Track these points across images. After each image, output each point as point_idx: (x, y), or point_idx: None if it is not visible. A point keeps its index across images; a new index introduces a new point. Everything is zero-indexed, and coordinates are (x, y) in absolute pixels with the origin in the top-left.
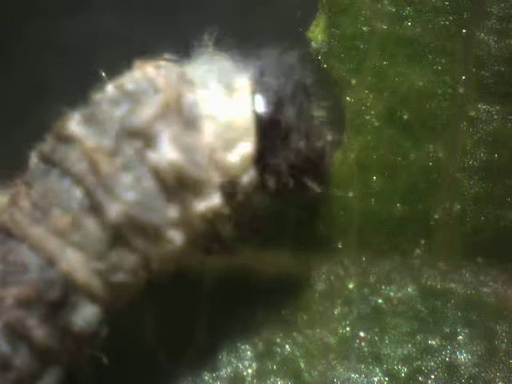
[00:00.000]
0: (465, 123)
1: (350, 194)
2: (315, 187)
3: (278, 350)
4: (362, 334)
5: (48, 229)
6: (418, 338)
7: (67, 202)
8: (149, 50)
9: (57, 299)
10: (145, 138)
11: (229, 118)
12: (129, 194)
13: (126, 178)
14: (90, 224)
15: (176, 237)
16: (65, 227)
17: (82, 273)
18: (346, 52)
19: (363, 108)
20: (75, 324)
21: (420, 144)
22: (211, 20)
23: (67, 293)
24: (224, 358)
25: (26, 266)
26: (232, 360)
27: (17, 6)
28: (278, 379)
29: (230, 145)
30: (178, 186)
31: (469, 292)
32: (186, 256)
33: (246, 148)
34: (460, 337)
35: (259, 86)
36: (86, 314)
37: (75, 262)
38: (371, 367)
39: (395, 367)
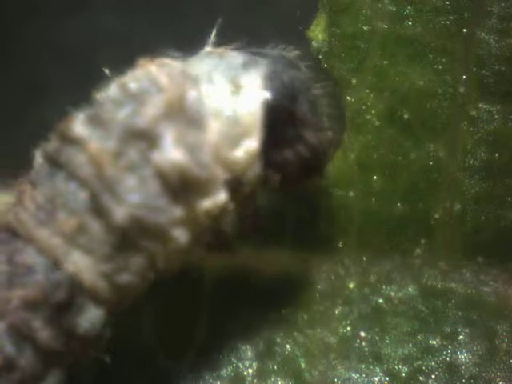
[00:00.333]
0: (465, 123)
1: (351, 194)
2: (317, 180)
3: (279, 349)
4: (362, 333)
5: (54, 231)
6: (419, 337)
7: (73, 204)
8: (149, 50)
9: (62, 301)
10: (149, 138)
11: (235, 114)
12: (134, 196)
13: (131, 180)
14: (96, 227)
15: (181, 235)
16: (71, 230)
17: (89, 275)
18: (347, 51)
19: (364, 107)
20: (80, 326)
21: (420, 143)
22: (211, 20)
23: (73, 295)
24: (224, 358)
25: (32, 268)
26: (232, 360)
27: (17, 6)
28: (279, 379)
29: (235, 141)
30: (183, 185)
31: (469, 291)
32: (189, 253)
33: (251, 144)
34: (461, 336)
35: (262, 82)
36: (90, 316)
37: (81, 265)
38: (372, 367)
39: (396, 367)
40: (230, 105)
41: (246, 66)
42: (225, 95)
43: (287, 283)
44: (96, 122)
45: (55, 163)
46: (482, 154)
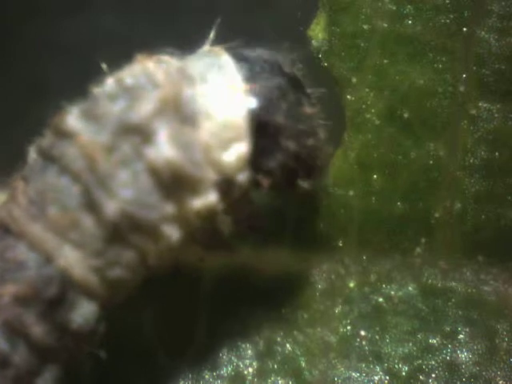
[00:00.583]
0: (465, 121)
1: (351, 193)
2: (307, 185)
3: (279, 348)
4: (362, 332)
5: (46, 226)
6: (419, 336)
7: (65, 199)
8: (149, 50)
9: (54, 296)
10: (142, 134)
11: (225, 116)
12: (126, 191)
13: (123, 175)
14: (88, 221)
15: (172, 232)
16: (62, 225)
17: (80, 270)
18: (347, 50)
19: (364, 106)
20: (73, 321)
21: (420, 142)
22: (211, 20)
23: (65, 290)
24: (224, 357)
25: (23, 264)
26: (232, 359)
27: (17, 6)
28: (279, 378)
29: (225, 144)
30: (175, 182)
31: (469, 291)
32: (185, 252)
33: (241, 148)
34: (461, 335)
35: (251, 86)
36: (83, 311)
37: (72, 259)
38: (372, 366)
39: (396, 366)
40: (221, 106)
41: (237, 67)
42: (217, 96)
43: (287, 282)
44: (90, 115)
45: (48, 157)
46: (482, 153)
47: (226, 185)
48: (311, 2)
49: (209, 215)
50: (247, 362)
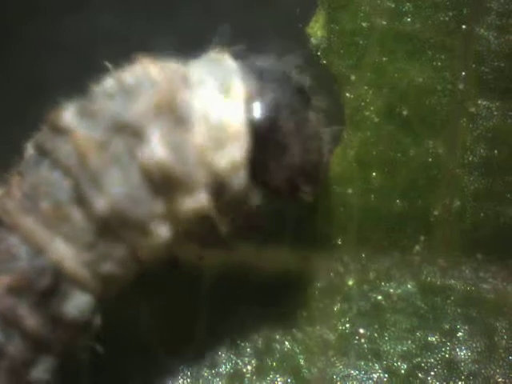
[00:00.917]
0: (464, 119)
1: (350, 191)
2: (309, 196)
3: (278, 346)
4: (361, 330)
5: (37, 219)
6: (418, 334)
7: (57, 193)
8: (148, 49)
9: (47, 288)
10: (135, 133)
11: (221, 120)
12: (116, 188)
13: (115, 173)
14: (78, 216)
15: (162, 231)
16: (54, 218)
17: (71, 263)
18: (346, 48)
19: (363, 104)
20: (67, 313)
21: (419, 140)
22: (210, 18)
23: (57, 281)
24: (223, 355)
25: (15, 255)
26: (231, 356)
27: (16, 6)
28: (278, 376)
29: (219, 147)
30: (166, 182)
31: (468, 288)
32: (182, 249)
33: (235, 151)
34: (460, 333)
35: (255, 92)
36: (77, 303)
37: (63, 253)
38: (371, 364)
39: (395, 364)
40: (217, 111)
41: (238, 71)
42: (214, 100)
43: (286, 280)
44: (85, 112)
45: (42, 152)
46: (482, 151)
47: (218, 187)
48: (310, 0)
49: (201, 215)
50: (246, 359)
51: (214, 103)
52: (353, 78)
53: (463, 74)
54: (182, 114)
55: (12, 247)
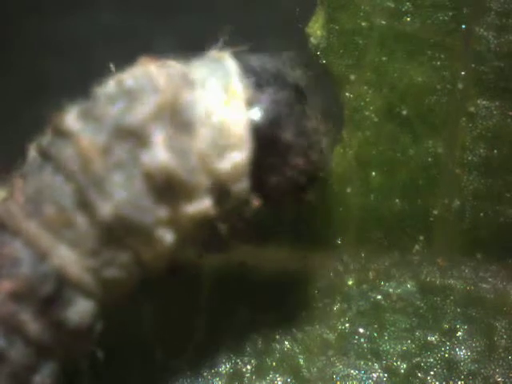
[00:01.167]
0: (464, 119)
1: (349, 190)
2: (311, 196)
3: (277, 346)
4: (361, 330)
5: (41, 223)
6: (417, 334)
7: (60, 197)
8: (148, 48)
9: (50, 294)
10: (139, 137)
11: (223, 124)
12: (120, 193)
13: (118, 177)
14: (82, 221)
15: (166, 236)
16: (57, 223)
17: (74, 269)
18: (345, 47)
19: (362, 104)
20: (70, 319)
21: (419, 140)
22: (211, 18)
23: (60, 287)
24: (223, 355)
25: (18, 261)
26: (231, 356)
27: (17, 4)
28: (277, 375)
29: (222, 152)
30: (169, 187)
31: (468, 288)
32: (183, 252)
33: (238, 156)
34: (459, 333)
35: (256, 96)
36: (80, 309)
37: (67, 259)
38: (370, 363)
39: (394, 363)
40: (220, 113)
41: (240, 74)
42: (216, 103)
43: (286, 280)
44: (88, 116)
45: (45, 156)
46: (481, 150)
47: (222, 193)
48: (310, 0)
49: (203, 220)
50: (246, 359)
51: (216, 106)
52: (352, 77)
53: (463, 73)
54: (185, 117)
55: (15, 251)
